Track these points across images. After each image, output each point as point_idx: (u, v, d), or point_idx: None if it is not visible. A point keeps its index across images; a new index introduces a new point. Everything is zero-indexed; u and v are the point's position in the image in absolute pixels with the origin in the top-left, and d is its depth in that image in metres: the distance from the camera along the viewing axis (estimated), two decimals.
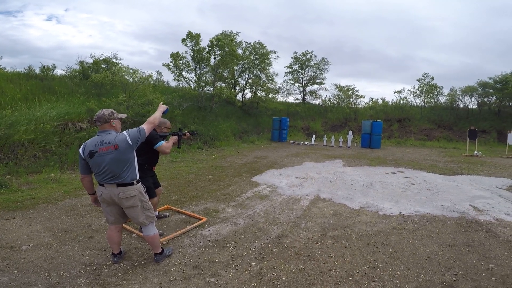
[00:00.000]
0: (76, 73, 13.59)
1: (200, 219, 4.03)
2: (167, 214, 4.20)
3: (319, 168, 8.43)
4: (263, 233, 3.67)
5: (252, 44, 18.69)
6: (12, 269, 2.65)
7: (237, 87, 19.40)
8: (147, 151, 3.35)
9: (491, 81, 18.99)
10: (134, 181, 2.56)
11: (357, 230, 3.85)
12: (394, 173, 7.92)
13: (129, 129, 2.57)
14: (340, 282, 2.62)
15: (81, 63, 13.98)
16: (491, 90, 19.13)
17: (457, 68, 44.09)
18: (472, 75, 44.56)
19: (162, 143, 3.23)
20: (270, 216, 4.32)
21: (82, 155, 2.51)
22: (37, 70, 12.83)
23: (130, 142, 2.47)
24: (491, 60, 45.25)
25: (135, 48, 50.65)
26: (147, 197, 2.74)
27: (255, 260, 2.98)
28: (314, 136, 15.87)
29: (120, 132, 2.60)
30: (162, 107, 2.88)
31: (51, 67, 13.23)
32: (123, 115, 2.71)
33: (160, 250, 2.85)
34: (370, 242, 3.48)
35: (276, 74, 20.15)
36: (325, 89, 28.90)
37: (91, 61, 14.01)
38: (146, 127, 2.57)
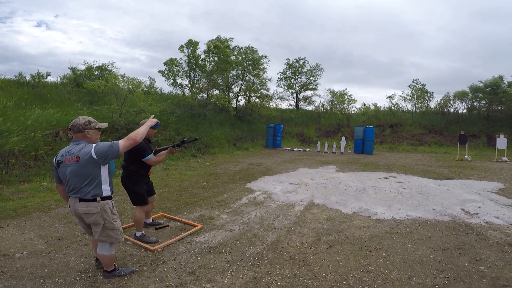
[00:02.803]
0: (67, 80, 13.48)
1: (195, 226, 4.04)
2: (162, 221, 4.19)
3: (313, 174, 8.49)
4: (258, 239, 3.70)
5: (244, 49, 18.84)
6: (6, 277, 2.64)
7: (231, 94, 19.47)
8: (138, 161, 3.36)
9: (481, 85, 19.32)
10: (98, 198, 2.36)
11: (350, 234, 3.90)
12: (386, 178, 8.02)
13: (99, 143, 2.38)
14: (334, 286, 2.66)
15: (73, 69, 13.88)
16: (480, 94, 19.50)
17: (444, 72, 45.10)
18: (460, 79, 45.56)
19: (151, 156, 3.25)
20: (265, 222, 4.35)
21: (54, 163, 2.44)
22: (28, 77, 12.71)
23: (94, 157, 2.27)
24: (477, 64, 46.43)
25: (127, 55, 50.59)
26: (116, 216, 2.53)
27: (250, 266, 3.00)
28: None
29: (95, 143, 2.41)
30: (150, 121, 2.71)
31: (44, 74, 13.13)
32: (103, 125, 2.52)
33: (111, 269, 2.65)
34: (363, 246, 3.53)
35: (270, 80, 20.29)
36: (318, 95, 29.24)
37: (83, 67, 13.98)
38: (122, 143, 2.31)
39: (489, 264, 3.09)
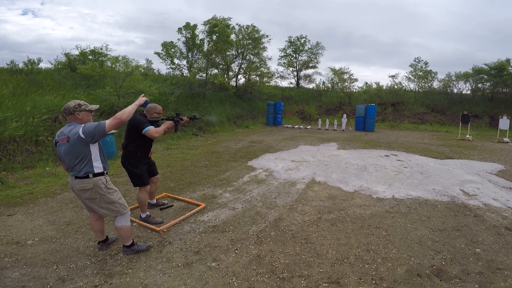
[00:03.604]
0: (61, 66, 13.49)
1: (199, 205, 4.11)
2: (166, 202, 4.24)
3: (314, 151, 8.52)
4: (260, 217, 3.78)
5: (245, 27, 18.36)
6: (21, 264, 2.69)
7: (230, 73, 19.20)
8: (137, 137, 3.30)
9: (486, 67, 19.12)
10: (90, 175, 2.50)
11: (351, 213, 3.97)
12: (387, 156, 8.05)
13: (87, 123, 2.51)
14: (335, 264, 2.75)
15: (67, 55, 13.84)
16: (485, 76, 19.28)
17: (450, 54, 44.31)
18: (465, 61, 44.90)
19: (150, 127, 3.16)
20: (267, 200, 4.42)
21: (54, 143, 2.62)
22: (21, 65, 12.78)
23: (82, 136, 2.40)
24: (483, 47, 45.54)
25: (121, 38, 49.79)
26: (112, 190, 2.66)
27: (254, 244, 3.09)
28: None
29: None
30: (140, 100, 2.77)
31: (36, 60, 13.22)
32: (93, 107, 2.63)
33: (129, 243, 2.83)
34: (364, 225, 3.61)
35: (270, 59, 19.94)
36: (319, 73, 28.70)
37: (77, 52, 13.89)
38: (108, 122, 2.42)
39: (485, 247, 3.14)
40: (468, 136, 12.38)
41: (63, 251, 2.93)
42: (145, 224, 3.48)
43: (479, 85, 20.44)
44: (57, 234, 3.30)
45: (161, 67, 52.76)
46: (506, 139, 11.98)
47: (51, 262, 2.74)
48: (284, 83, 24.56)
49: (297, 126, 16.01)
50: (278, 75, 23.52)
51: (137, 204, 3.71)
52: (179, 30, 14.97)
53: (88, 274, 2.55)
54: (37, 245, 3.06)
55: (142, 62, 19.96)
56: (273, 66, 29.56)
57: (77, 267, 2.65)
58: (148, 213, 3.62)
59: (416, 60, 21.88)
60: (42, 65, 14.05)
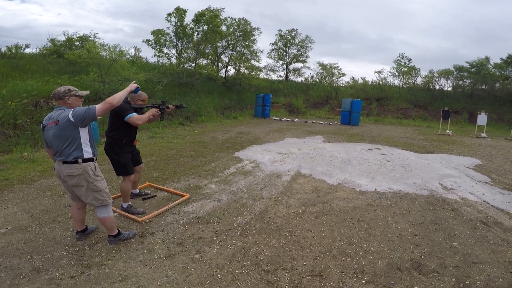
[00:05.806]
0: (46, 51, 13.20)
1: (183, 196, 4.05)
2: (149, 192, 4.15)
3: (300, 144, 8.56)
4: (246, 209, 3.76)
5: (237, 20, 18.20)
6: None
7: (220, 64, 18.99)
8: (120, 124, 3.22)
9: (467, 65, 19.95)
10: (79, 160, 2.48)
11: (335, 206, 4.02)
12: (371, 149, 8.19)
13: (77, 107, 2.50)
14: (319, 257, 2.77)
15: (53, 41, 13.53)
16: (466, 74, 20.03)
17: (433, 51, 45.69)
18: (448, 58, 46.19)
19: (133, 114, 3.10)
20: (253, 192, 4.41)
21: (41, 127, 2.61)
22: (3, 49, 12.42)
23: (72, 120, 2.39)
24: (466, 45, 47.21)
25: (109, 26, 48.55)
26: (100, 178, 2.63)
27: (238, 236, 3.07)
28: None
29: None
30: (130, 87, 2.76)
31: (22, 46, 12.98)
32: (84, 93, 2.63)
33: (115, 232, 2.81)
34: (347, 218, 3.66)
35: (262, 51, 20.04)
36: (308, 68, 28.91)
37: (63, 38, 13.64)
38: (99, 107, 2.42)
39: (461, 241, 3.24)
40: (448, 131, 12.79)
41: (39, 241, 2.82)
42: (126, 214, 3.39)
43: (460, 82, 21.30)
44: (32, 223, 3.17)
45: (149, 55, 52.01)
46: (483, 134, 12.51)
47: (25, 252, 2.63)
48: (273, 76, 24.59)
49: (284, 118, 16.05)
50: (269, 68, 23.61)
51: (119, 194, 3.61)
52: (168, 15, 14.55)
53: (65, 264, 2.46)
54: (11, 234, 2.93)
55: (130, 49, 19.56)
56: (264, 59, 29.73)
57: (53, 257, 2.56)
58: (130, 203, 3.54)
59: (400, 56, 22.36)
60: (28, 50, 13.79)
